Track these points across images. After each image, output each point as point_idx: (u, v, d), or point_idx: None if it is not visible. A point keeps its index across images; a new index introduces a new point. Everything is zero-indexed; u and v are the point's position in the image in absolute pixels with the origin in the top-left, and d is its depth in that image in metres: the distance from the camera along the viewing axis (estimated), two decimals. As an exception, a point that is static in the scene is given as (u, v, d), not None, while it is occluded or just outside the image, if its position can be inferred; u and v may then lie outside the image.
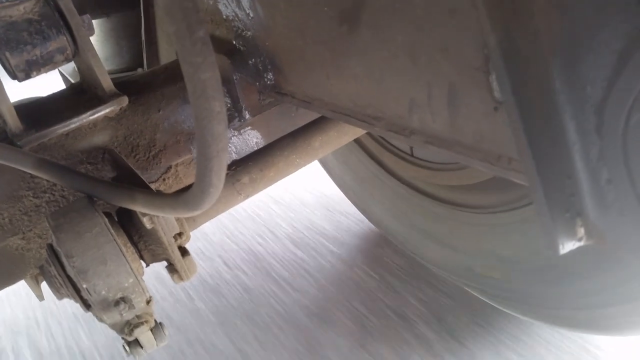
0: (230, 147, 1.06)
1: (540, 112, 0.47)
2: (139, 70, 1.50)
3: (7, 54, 0.79)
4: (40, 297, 1.02)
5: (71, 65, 1.45)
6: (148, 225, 0.71)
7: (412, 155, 1.56)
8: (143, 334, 0.79)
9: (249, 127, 1.07)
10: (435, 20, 0.55)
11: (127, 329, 0.77)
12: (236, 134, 1.06)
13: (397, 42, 0.61)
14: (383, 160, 1.68)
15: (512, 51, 0.45)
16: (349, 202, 2.00)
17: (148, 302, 0.77)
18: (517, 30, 0.45)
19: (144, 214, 0.71)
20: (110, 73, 0.90)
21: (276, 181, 0.94)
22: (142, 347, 0.82)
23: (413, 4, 0.56)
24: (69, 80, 1.45)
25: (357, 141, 1.69)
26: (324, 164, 1.97)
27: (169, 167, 1.00)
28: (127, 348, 0.82)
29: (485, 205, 1.31)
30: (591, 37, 0.43)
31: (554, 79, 0.46)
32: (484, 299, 1.51)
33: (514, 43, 0.45)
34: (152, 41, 1.32)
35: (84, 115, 0.86)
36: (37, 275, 0.98)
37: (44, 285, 0.96)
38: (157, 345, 0.83)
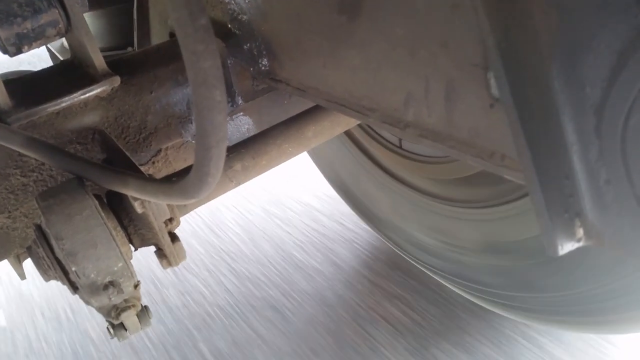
0: (221, 132, 1.05)
1: (539, 112, 0.47)
2: (129, 49, 1.47)
3: (-3, 26, 0.78)
4: (22, 275, 1.01)
5: (59, 42, 1.43)
6: (139, 210, 0.70)
7: (400, 147, 1.56)
8: (129, 318, 0.78)
9: (241, 113, 1.06)
10: (437, 15, 0.54)
11: (114, 312, 0.76)
12: (228, 119, 1.05)
13: (397, 35, 0.61)
14: (371, 151, 1.67)
15: (511, 51, 0.45)
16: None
17: (136, 286, 0.76)
18: (516, 30, 0.45)
19: (135, 199, 0.70)
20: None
21: (268, 169, 0.93)
22: (126, 330, 0.82)
23: (416, -2, 0.55)
24: (57, 57, 1.43)
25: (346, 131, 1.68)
26: (312, 154, 1.96)
27: (159, 151, 0.99)
28: (111, 330, 0.82)
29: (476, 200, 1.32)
30: (590, 37, 0.43)
31: (553, 79, 0.46)
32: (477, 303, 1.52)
33: (513, 43, 0.45)
34: (144, 21, 1.30)
35: (75, 94, 0.85)
36: (20, 254, 0.97)
37: (26, 264, 0.95)
38: (141, 329, 0.83)
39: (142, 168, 0.94)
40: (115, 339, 0.83)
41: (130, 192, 0.67)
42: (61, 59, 1.08)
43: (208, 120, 0.42)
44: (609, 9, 0.41)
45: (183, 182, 0.52)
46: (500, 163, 0.56)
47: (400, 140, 1.55)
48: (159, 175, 0.99)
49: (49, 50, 1.46)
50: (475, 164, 0.59)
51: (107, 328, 0.82)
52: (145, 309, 0.82)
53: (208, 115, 0.42)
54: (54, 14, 0.81)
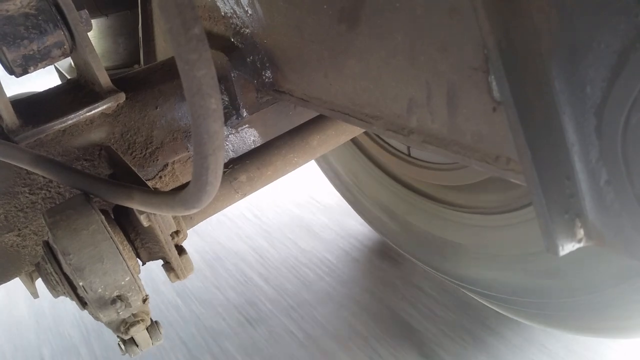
0: (227, 145, 1.05)
1: (540, 112, 0.47)
2: (136, 67, 1.49)
3: (4, 48, 0.79)
4: (35, 294, 1.01)
5: (67, 61, 1.45)
6: (145, 223, 0.71)
7: (409, 155, 1.55)
8: (139, 332, 0.78)
9: (247, 125, 1.06)
10: (435, 20, 0.54)
11: (123, 327, 0.76)
12: (233, 132, 1.05)
13: (396, 41, 0.61)
14: (379, 159, 1.67)
15: (511, 51, 0.45)
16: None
17: (144, 300, 0.76)
18: (516, 31, 0.45)
19: (141, 212, 0.70)
20: (106, 69, 0.89)
21: (274, 180, 0.93)
22: (137, 346, 0.81)
23: (413, 3, 0.55)
24: (65, 77, 1.44)
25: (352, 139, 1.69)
26: (319, 162, 1.96)
27: (166, 165, 0.99)
28: (122, 346, 0.81)
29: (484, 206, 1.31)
30: (590, 37, 0.43)
31: (553, 79, 0.46)
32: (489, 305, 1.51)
33: (512, 43, 0.45)
34: (149, 38, 1.32)
35: (81, 112, 0.85)
36: (32, 272, 0.98)
37: (39, 282, 0.96)
38: (152, 344, 0.82)
39: (149, 183, 0.95)
40: (127, 355, 0.83)
41: (135, 205, 0.67)
42: (69, 78, 1.09)
43: (204, 129, 0.42)
44: (609, 8, 0.41)
45: (184, 193, 0.52)
46: (505, 167, 0.55)
47: (408, 147, 1.54)
48: (166, 190, 1.00)
49: (57, 69, 1.48)
50: (481, 168, 0.59)
51: (119, 344, 0.82)
52: (155, 323, 0.82)
53: (203, 124, 0.42)
54: (60, 35, 0.82)
